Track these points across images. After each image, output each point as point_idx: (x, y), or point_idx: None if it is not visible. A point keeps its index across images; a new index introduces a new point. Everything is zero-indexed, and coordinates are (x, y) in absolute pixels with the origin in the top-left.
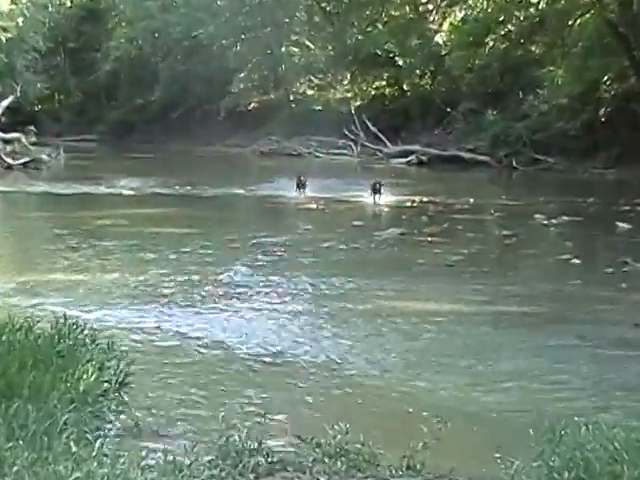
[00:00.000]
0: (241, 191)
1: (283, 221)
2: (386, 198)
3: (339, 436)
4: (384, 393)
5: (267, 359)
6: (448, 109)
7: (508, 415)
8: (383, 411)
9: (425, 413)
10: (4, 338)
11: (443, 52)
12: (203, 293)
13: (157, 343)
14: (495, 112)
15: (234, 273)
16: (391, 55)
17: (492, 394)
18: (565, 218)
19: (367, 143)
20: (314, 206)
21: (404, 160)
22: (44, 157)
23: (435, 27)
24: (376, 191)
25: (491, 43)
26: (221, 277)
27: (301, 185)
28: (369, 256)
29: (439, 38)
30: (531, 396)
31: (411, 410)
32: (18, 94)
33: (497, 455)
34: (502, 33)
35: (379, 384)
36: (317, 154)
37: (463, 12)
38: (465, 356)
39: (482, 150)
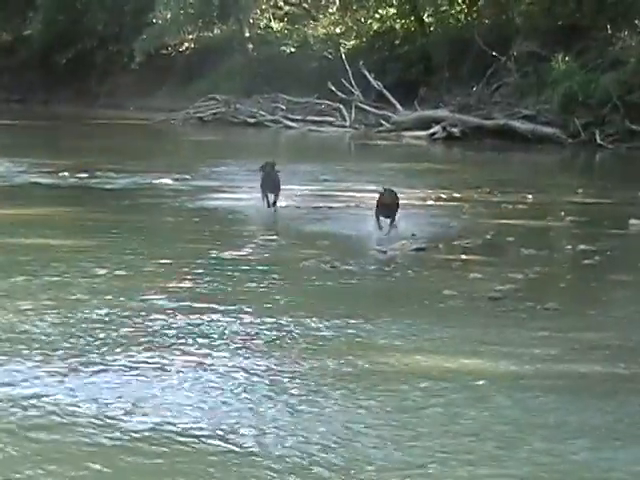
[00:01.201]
0: (167, 181)
1: (232, 227)
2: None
3: None
4: None
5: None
6: (494, 53)
7: None
8: None
9: None
10: None
11: None
12: (99, 342)
13: (29, 421)
14: (568, 58)
15: (152, 311)
16: None
17: None
18: None
19: (366, 106)
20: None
21: (425, 133)
22: None
23: None
24: (388, 215)
25: None
26: (129, 316)
27: (270, 187)
28: (367, 284)
29: None
30: None
31: None
32: None
33: None
34: None
35: None
36: (288, 123)
37: None
38: (519, 447)
39: (547, 118)
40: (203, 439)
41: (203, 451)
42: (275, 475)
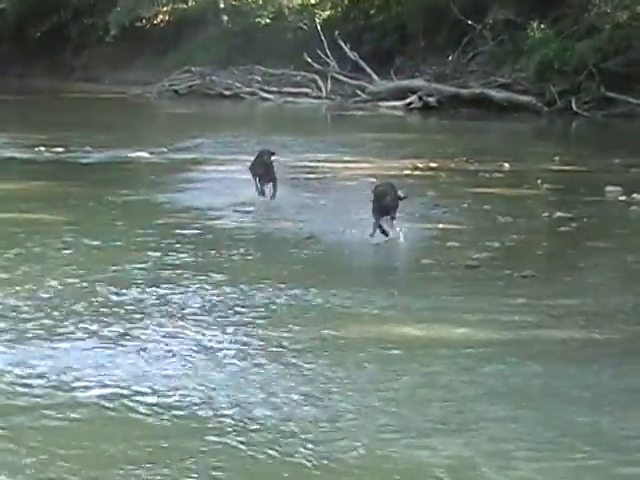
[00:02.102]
0: (144, 155)
1: (209, 199)
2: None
3: None
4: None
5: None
6: (469, 22)
7: None
8: None
9: None
10: None
11: None
12: (68, 313)
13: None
14: (544, 25)
15: (125, 282)
16: None
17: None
18: None
19: (342, 77)
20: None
21: (401, 103)
22: None
23: None
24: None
25: None
26: (100, 288)
27: (265, 177)
28: (345, 253)
29: None
30: (600, 473)
31: None
32: None
33: None
34: None
35: (363, 462)
36: (264, 94)
37: None
38: (497, 413)
39: (523, 86)
40: (165, 407)
41: (165, 418)
42: (241, 433)
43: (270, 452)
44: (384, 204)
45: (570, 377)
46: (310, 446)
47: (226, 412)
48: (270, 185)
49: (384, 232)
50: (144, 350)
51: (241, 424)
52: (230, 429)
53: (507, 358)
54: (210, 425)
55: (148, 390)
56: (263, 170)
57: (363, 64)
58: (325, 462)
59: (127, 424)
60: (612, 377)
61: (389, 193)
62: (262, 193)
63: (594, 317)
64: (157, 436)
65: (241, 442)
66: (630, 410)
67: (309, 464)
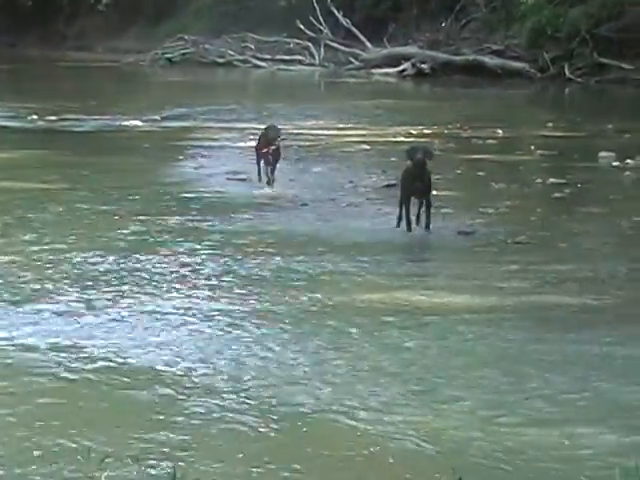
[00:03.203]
0: (137, 123)
1: (200, 168)
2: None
3: None
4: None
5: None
6: None
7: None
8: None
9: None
10: None
11: None
12: (51, 281)
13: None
14: None
15: (112, 250)
16: None
17: (535, 433)
18: None
19: (335, 44)
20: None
21: (394, 70)
22: None
23: None
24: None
25: None
26: (100, 257)
27: (267, 157)
28: (337, 222)
29: None
30: (594, 439)
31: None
32: None
33: None
34: None
35: (358, 427)
36: (257, 62)
37: None
38: (494, 376)
39: (516, 53)
40: (149, 374)
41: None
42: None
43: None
44: (417, 187)
45: (564, 343)
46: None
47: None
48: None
49: (409, 223)
50: (129, 318)
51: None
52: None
53: (501, 324)
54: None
55: (132, 358)
56: (271, 154)
57: (356, 31)
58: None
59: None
60: (607, 344)
61: (423, 175)
62: (268, 181)
63: (588, 283)
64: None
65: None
66: (626, 377)
67: (287, 424)
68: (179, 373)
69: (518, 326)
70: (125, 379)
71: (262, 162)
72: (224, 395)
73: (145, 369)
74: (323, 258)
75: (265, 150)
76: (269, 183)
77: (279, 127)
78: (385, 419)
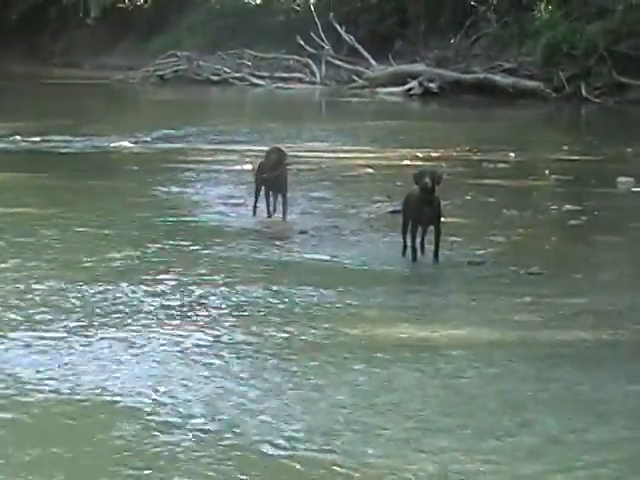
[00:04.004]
0: (126, 144)
1: (191, 194)
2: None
3: None
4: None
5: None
6: (472, 2)
7: None
8: None
9: None
10: None
11: None
12: (29, 311)
13: None
14: (551, 6)
15: (93, 281)
16: None
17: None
18: None
19: (337, 61)
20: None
21: (400, 89)
22: None
23: None
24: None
25: None
26: (83, 286)
27: (273, 185)
28: (341, 249)
29: None
30: None
31: None
32: None
33: None
34: None
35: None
36: (254, 80)
37: None
38: (503, 422)
39: (530, 71)
40: (125, 406)
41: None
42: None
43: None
44: (422, 215)
45: (579, 382)
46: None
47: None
48: (279, 199)
49: (414, 251)
50: (115, 347)
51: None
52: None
53: (508, 362)
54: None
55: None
56: (276, 181)
57: (360, 48)
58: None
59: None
60: (625, 382)
61: (430, 201)
62: (268, 212)
63: (605, 316)
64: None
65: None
66: None
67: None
68: (148, 410)
69: (527, 363)
70: (90, 413)
71: (263, 190)
72: (196, 432)
73: (116, 403)
74: (321, 289)
75: (266, 175)
76: (270, 215)
77: (284, 150)
78: (378, 462)
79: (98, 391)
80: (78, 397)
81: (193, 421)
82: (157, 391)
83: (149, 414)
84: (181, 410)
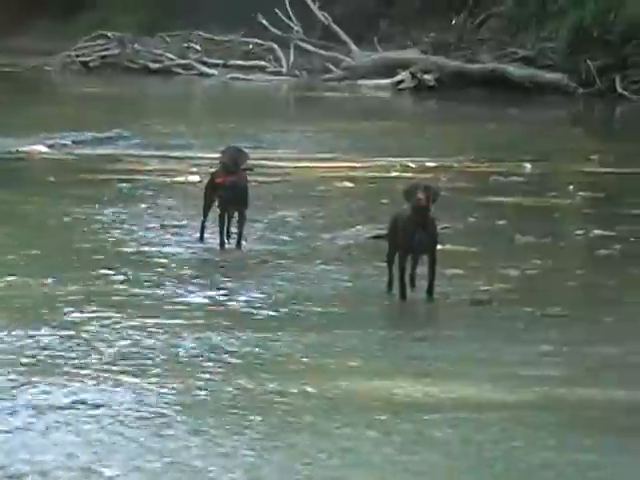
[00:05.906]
0: (40, 149)
1: (128, 210)
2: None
3: None
4: None
5: None
6: None
7: None
8: None
9: None
10: None
11: None
12: None
13: None
14: None
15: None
16: None
17: None
18: None
19: (309, 46)
20: None
21: (388, 82)
22: None
23: None
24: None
25: None
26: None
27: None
28: (317, 285)
29: None
30: None
31: None
32: None
33: None
34: None
35: None
36: (204, 69)
37: None
38: None
39: (551, 60)
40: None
41: None
42: None
43: None
44: (416, 242)
45: (605, 454)
46: None
47: None
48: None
49: (403, 287)
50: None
51: None
52: None
53: (519, 426)
54: None
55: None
56: (233, 195)
57: (338, 29)
58: None
59: None
60: None
61: (429, 219)
62: (221, 242)
63: None
64: None
65: None
66: None
67: None
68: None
69: (543, 428)
70: None
71: (216, 204)
72: None
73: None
74: (289, 334)
75: (221, 180)
76: (223, 244)
77: (244, 150)
78: None
79: None
80: None
81: None
82: None
83: None
84: None
